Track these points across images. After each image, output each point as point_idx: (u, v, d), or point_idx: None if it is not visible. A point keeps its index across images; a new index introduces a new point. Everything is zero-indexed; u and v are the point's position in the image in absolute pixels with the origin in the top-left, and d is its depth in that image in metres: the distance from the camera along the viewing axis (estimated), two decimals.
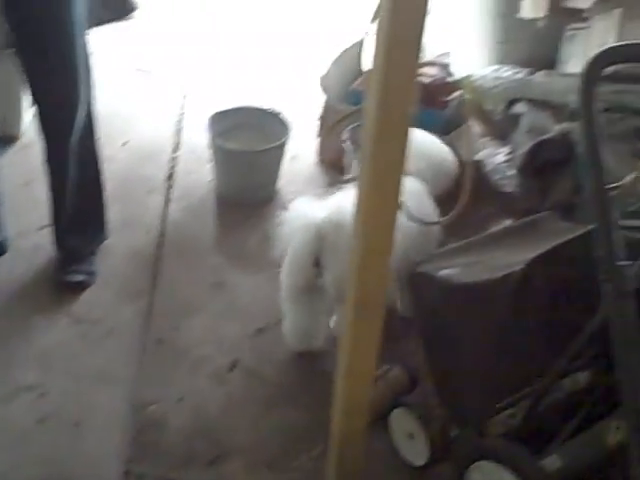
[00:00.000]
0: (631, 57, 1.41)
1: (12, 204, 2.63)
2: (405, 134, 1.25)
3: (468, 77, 3.06)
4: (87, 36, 2.19)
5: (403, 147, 1.26)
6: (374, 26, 1.20)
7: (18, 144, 2.90)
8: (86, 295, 2.41)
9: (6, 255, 2.50)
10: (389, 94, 1.19)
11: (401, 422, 1.91)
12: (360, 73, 2.78)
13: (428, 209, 2.17)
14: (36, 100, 2.23)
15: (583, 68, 1.25)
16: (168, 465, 1.93)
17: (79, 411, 2.04)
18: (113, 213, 2.65)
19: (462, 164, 2.17)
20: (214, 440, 1.99)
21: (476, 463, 1.65)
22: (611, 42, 2.69)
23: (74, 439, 1.97)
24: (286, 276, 2.10)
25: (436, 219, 2.12)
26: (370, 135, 1.25)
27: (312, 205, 2.05)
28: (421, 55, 1.17)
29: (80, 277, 2.44)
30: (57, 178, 2.36)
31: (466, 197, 1.88)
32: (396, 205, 1.34)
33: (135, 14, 4.26)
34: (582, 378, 1.74)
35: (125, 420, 2.02)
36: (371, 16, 1.69)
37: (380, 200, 1.32)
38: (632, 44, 1.36)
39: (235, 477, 1.91)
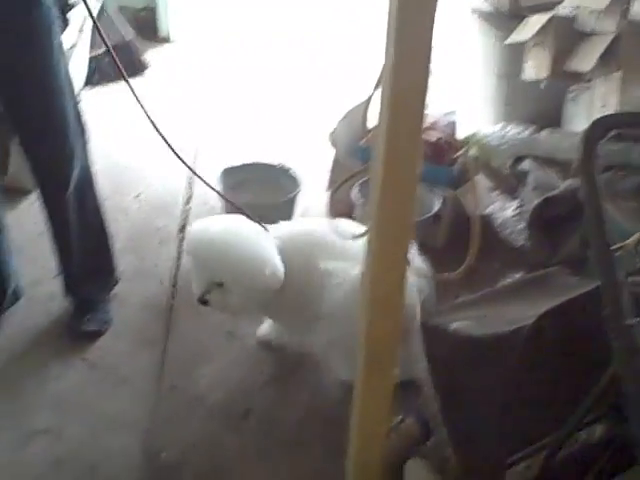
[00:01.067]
0: (627, 124, 1.47)
1: (27, 253, 2.71)
2: (412, 193, 1.27)
3: (475, 134, 3.15)
4: (77, 94, 2.23)
5: (411, 205, 1.29)
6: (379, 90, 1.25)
7: (31, 196, 2.96)
8: (101, 342, 2.45)
9: (22, 303, 2.55)
10: (394, 156, 1.22)
11: (415, 473, 1.90)
12: (367, 130, 2.86)
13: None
14: (29, 159, 2.25)
15: (582, 134, 1.29)
16: None
17: (94, 455, 2.06)
18: (126, 263, 2.71)
19: (470, 219, 2.21)
20: None
21: None
22: (613, 103, 2.78)
23: None
24: None
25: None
26: (377, 194, 1.28)
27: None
28: (425, 114, 1.22)
29: (95, 326, 2.47)
30: (59, 231, 2.39)
31: (475, 251, 1.91)
32: (405, 260, 1.37)
33: (147, 72, 4.39)
34: (598, 431, 1.75)
35: (140, 465, 2.04)
36: (375, 82, 1.73)
37: (390, 256, 1.34)
38: (628, 113, 1.41)
39: None
